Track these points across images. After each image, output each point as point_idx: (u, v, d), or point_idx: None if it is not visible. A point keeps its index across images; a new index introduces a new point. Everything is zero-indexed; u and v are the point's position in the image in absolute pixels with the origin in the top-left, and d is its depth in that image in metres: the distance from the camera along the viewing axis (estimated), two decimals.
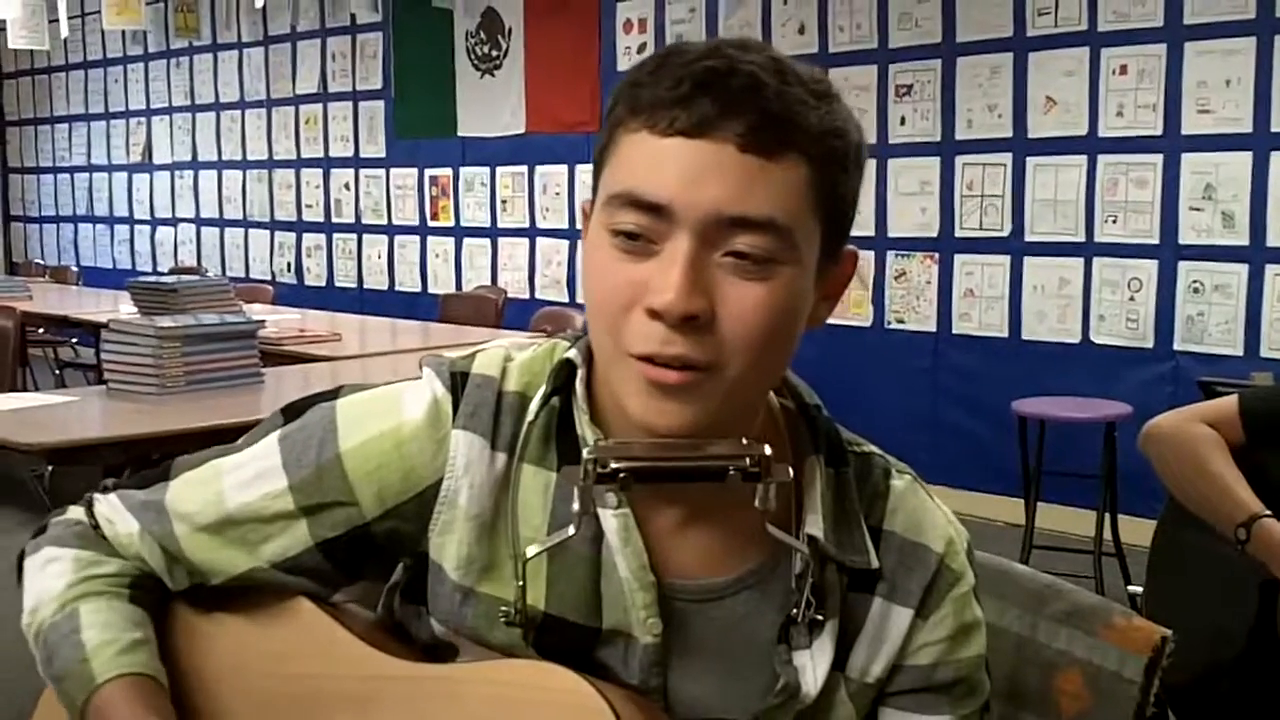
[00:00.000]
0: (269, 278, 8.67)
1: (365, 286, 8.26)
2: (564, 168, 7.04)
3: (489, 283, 7.40)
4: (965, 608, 1.03)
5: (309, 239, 8.66)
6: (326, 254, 8.54)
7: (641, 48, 6.55)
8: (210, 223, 9.45)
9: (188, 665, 1.07)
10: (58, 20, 8.34)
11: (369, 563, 1.04)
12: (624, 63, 6.58)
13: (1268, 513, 1.93)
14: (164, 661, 1.04)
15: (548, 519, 0.97)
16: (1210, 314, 4.90)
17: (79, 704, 1.00)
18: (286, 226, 8.82)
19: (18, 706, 1.15)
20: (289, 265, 8.81)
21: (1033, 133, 5.30)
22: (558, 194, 7.13)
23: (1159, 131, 4.97)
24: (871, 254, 5.73)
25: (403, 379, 1.04)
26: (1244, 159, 4.77)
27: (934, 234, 5.63)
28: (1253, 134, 4.75)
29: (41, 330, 7.05)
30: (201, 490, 1.04)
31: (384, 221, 8.14)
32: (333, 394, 1.05)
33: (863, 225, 5.57)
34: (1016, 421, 4.48)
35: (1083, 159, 5.17)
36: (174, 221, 9.78)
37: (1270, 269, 4.75)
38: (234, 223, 9.24)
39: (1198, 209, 4.91)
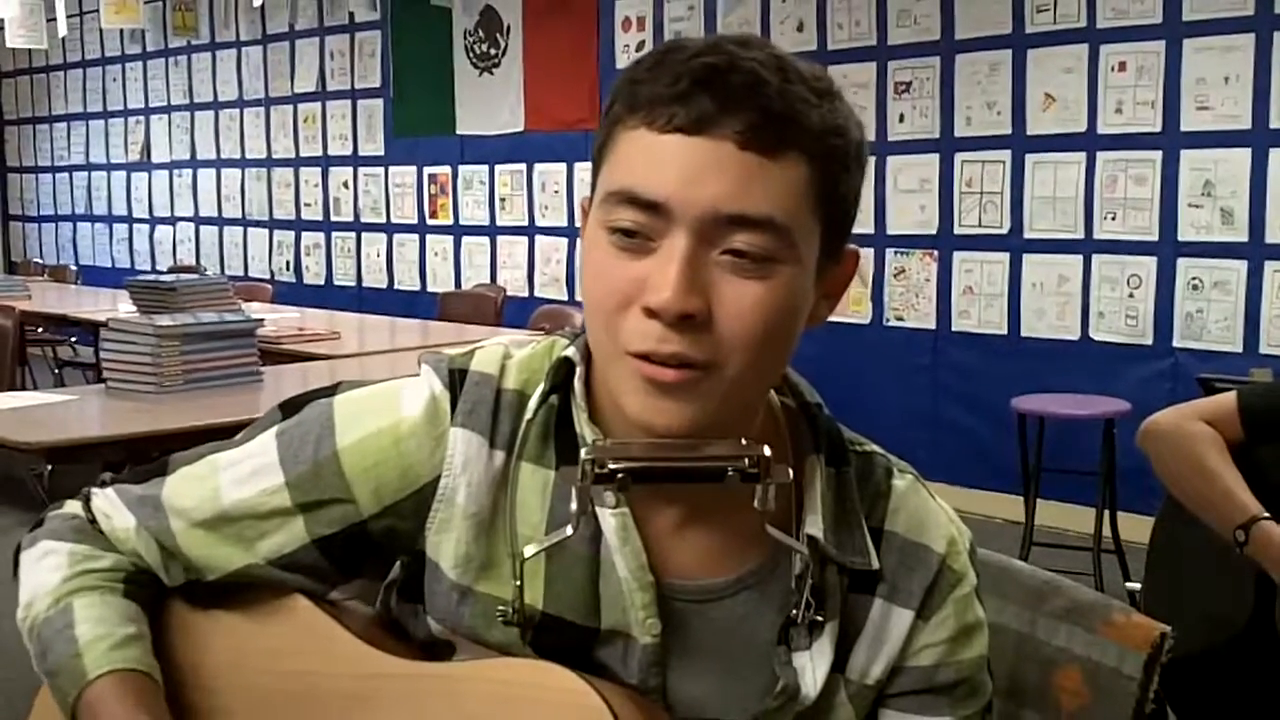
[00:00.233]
0: (268, 276, 8.67)
1: (364, 285, 8.26)
2: (563, 166, 7.04)
3: (488, 281, 7.40)
4: (967, 608, 1.02)
5: (308, 237, 8.66)
6: (325, 252, 8.53)
7: (640, 45, 6.55)
8: (209, 221, 9.45)
9: (184, 662, 1.07)
10: (56, 19, 8.34)
11: (366, 560, 1.03)
12: (623, 60, 6.57)
13: (1266, 515, 1.92)
14: (160, 658, 1.04)
15: (546, 517, 0.97)
16: (1209, 310, 4.90)
17: (71, 699, 0.99)
18: (285, 225, 8.82)
19: (17, 705, 1.15)
20: (288, 264, 8.81)
21: (1032, 130, 5.30)
22: (556, 192, 7.12)
23: (1158, 128, 4.97)
24: (871, 251, 5.73)
25: (401, 377, 1.04)
26: (1243, 155, 4.77)
27: (933, 231, 5.63)
28: (1251, 130, 4.75)
29: (40, 329, 7.04)
30: (198, 486, 1.03)
31: (383, 220, 8.13)
32: (330, 390, 1.04)
33: (862, 222, 5.51)
34: (1016, 418, 4.48)
35: (1082, 156, 5.17)
36: (173, 220, 9.78)
37: (1269, 265, 4.75)
38: (233, 221, 9.24)
39: (1197, 206, 4.91)
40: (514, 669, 0.95)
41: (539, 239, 7.26)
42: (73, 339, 7.61)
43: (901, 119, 5.67)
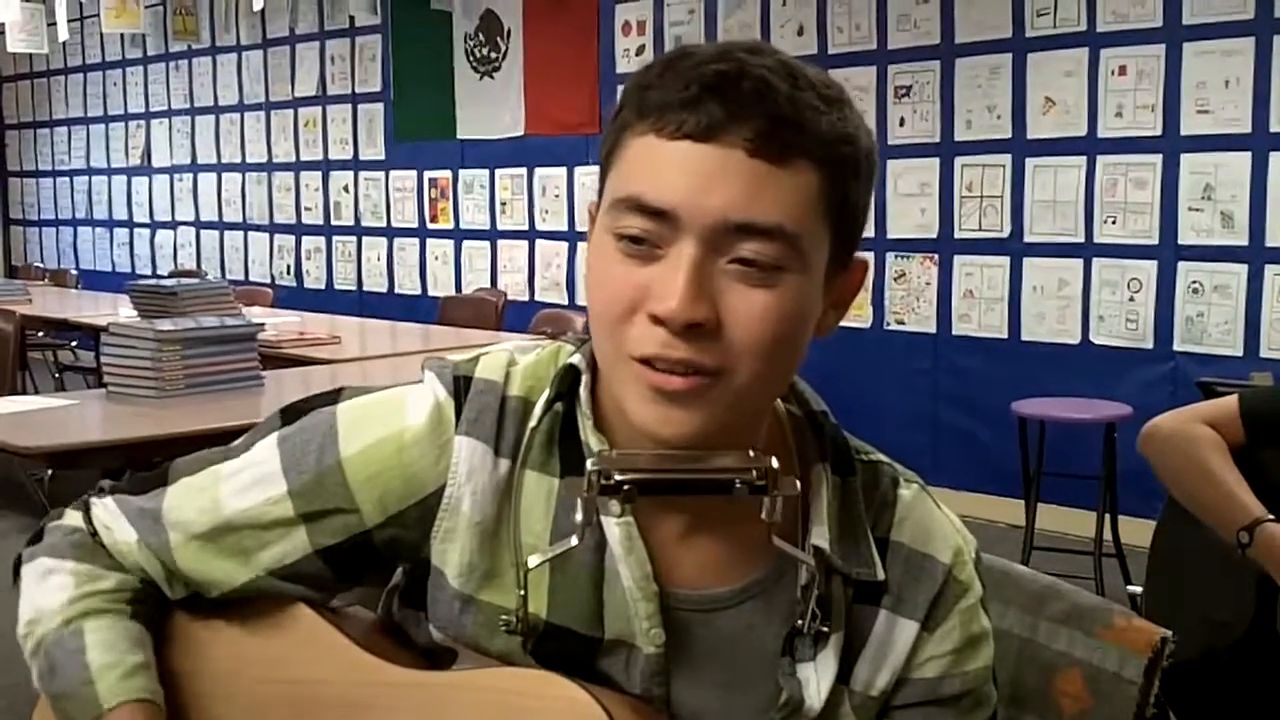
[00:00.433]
0: (268, 280, 8.67)
1: (365, 289, 8.26)
2: (563, 170, 7.04)
3: (489, 285, 7.40)
4: (973, 619, 1.01)
5: (308, 242, 8.66)
6: (326, 257, 8.54)
7: (640, 49, 6.55)
8: (209, 226, 9.45)
9: (185, 669, 1.07)
10: (56, 23, 8.34)
11: (369, 569, 1.03)
12: (623, 65, 6.58)
13: (1270, 517, 1.92)
14: (161, 666, 1.04)
15: (550, 526, 0.96)
16: (1210, 314, 4.90)
17: None
18: (286, 229, 8.82)
19: (19, 710, 1.15)
20: (288, 268, 8.81)
21: (1032, 133, 5.30)
22: (557, 196, 7.13)
23: (1158, 132, 4.97)
24: (871, 255, 5.70)
25: (403, 382, 1.03)
26: (1243, 159, 4.77)
27: (933, 235, 5.63)
28: (1251, 134, 4.75)
29: (41, 333, 7.05)
30: (199, 497, 1.02)
31: (383, 224, 8.14)
32: (333, 397, 1.03)
33: None
34: (1016, 422, 4.48)
35: (1082, 160, 5.17)
36: (173, 224, 9.78)
37: (1270, 269, 4.76)
38: (233, 225, 9.24)
39: (1197, 209, 4.91)
40: (516, 678, 0.95)
41: (540, 243, 7.26)
42: (73, 343, 7.62)
43: (902, 123, 5.67)
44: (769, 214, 0.85)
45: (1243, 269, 4.81)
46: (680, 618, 0.97)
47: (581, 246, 0.96)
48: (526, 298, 7.21)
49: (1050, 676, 1.31)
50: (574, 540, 0.90)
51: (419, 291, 7.90)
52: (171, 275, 8.23)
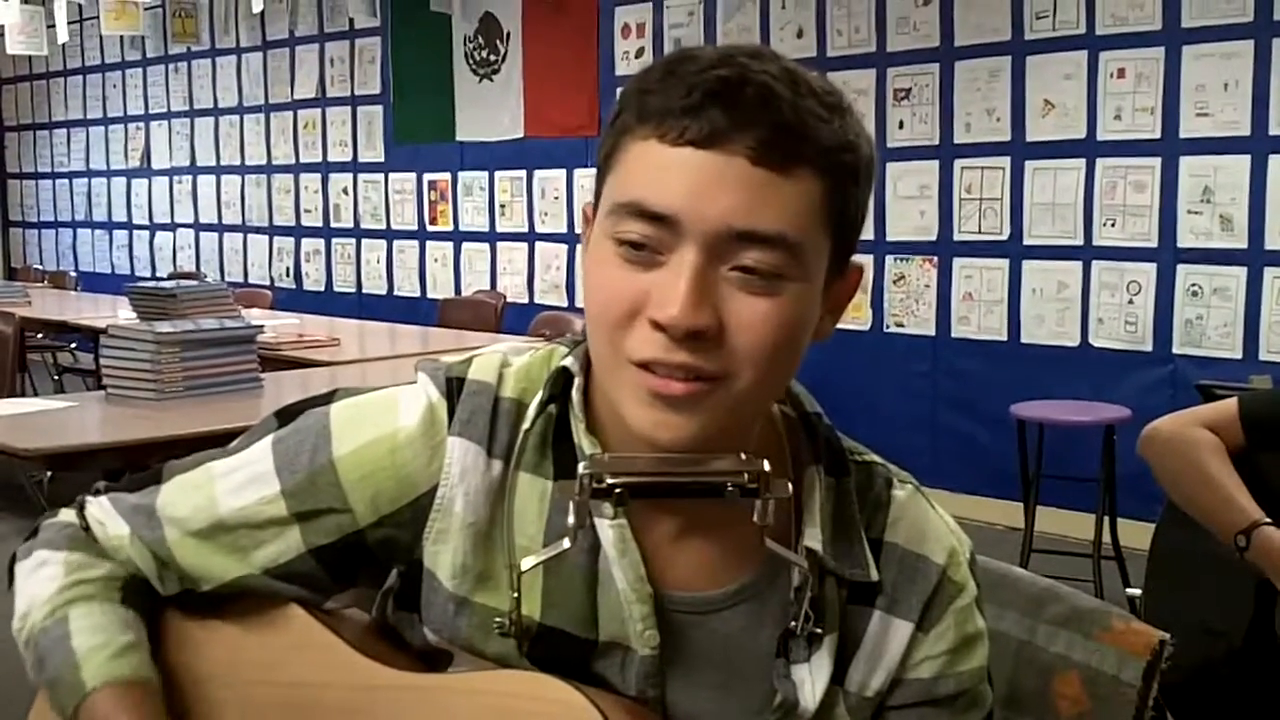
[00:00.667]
0: (268, 283, 8.67)
1: (364, 291, 8.26)
2: (563, 172, 7.04)
3: (488, 287, 7.40)
4: (967, 620, 1.01)
5: (308, 244, 8.66)
6: (325, 259, 8.54)
7: (639, 52, 6.55)
8: (209, 228, 9.45)
9: (179, 671, 1.06)
10: (56, 25, 8.34)
11: (362, 569, 1.03)
12: (622, 67, 6.58)
13: (1268, 520, 1.92)
14: (155, 664, 1.04)
15: (543, 528, 0.96)
16: (1209, 317, 4.91)
17: (70, 710, 0.99)
18: (285, 231, 8.82)
19: (15, 708, 1.15)
20: (287, 270, 8.81)
21: (1031, 136, 5.30)
22: (556, 198, 7.13)
23: (1157, 135, 4.97)
24: (870, 258, 5.72)
25: (400, 384, 1.03)
26: (1242, 162, 4.78)
27: (933, 237, 5.63)
28: (1251, 137, 4.75)
29: (40, 335, 7.05)
30: (193, 495, 1.03)
31: (383, 226, 8.14)
32: (327, 398, 1.03)
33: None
34: (1015, 425, 4.48)
35: (1081, 162, 5.17)
36: (172, 227, 9.78)
37: (1269, 272, 4.76)
38: (232, 228, 9.24)
39: (1196, 212, 4.91)
40: (511, 681, 0.95)
41: (539, 245, 7.27)
42: (73, 345, 7.61)
43: (901, 125, 5.67)
44: (771, 222, 0.85)
45: (1242, 272, 4.81)
46: (675, 620, 0.97)
47: (581, 249, 0.96)
48: (526, 300, 7.21)
49: (1048, 679, 1.31)
50: (566, 543, 0.90)
51: (418, 294, 7.90)
52: (171, 277, 8.23)
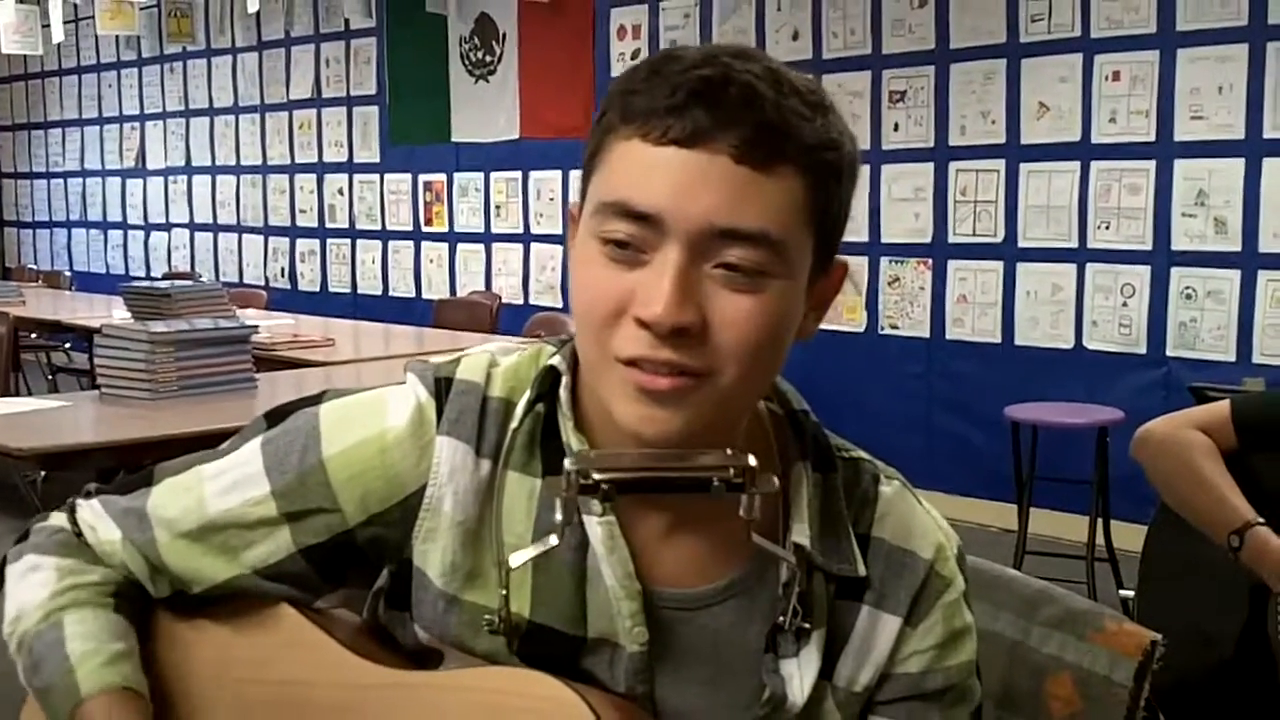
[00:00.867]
0: (263, 283, 8.67)
1: (359, 292, 8.26)
2: (558, 173, 7.04)
3: (483, 288, 7.39)
4: (955, 614, 1.02)
5: (303, 244, 8.66)
6: (320, 259, 8.53)
7: (635, 53, 6.56)
8: (204, 228, 9.45)
9: (169, 670, 1.07)
10: (51, 25, 8.34)
11: (352, 569, 1.03)
12: (618, 68, 6.58)
13: (1261, 520, 1.93)
14: (146, 666, 1.04)
15: (532, 526, 0.97)
16: (1202, 320, 4.91)
17: (63, 716, 1.00)
18: (280, 232, 8.82)
19: (7, 713, 1.15)
20: (283, 270, 8.81)
21: (1026, 139, 5.31)
22: (552, 199, 7.13)
23: (1152, 138, 4.98)
24: (865, 260, 5.73)
25: (388, 385, 1.03)
26: (1236, 165, 4.78)
27: (927, 240, 5.64)
28: (1245, 140, 4.76)
29: (34, 335, 7.04)
30: (183, 496, 1.03)
31: (378, 227, 8.14)
32: (316, 399, 1.04)
33: (856, 231, 5.58)
34: (1009, 427, 4.49)
35: (1076, 165, 5.18)
36: (167, 226, 9.77)
37: (1262, 275, 4.76)
38: (227, 228, 9.23)
39: (1190, 215, 4.92)
40: (501, 678, 0.95)
41: (534, 246, 7.27)
42: (67, 345, 7.60)
43: (896, 128, 5.68)
44: (754, 220, 0.86)
45: (1235, 274, 4.82)
46: (663, 616, 0.97)
47: (569, 248, 0.96)
48: (521, 301, 7.21)
49: (1041, 680, 1.32)
50: (554, 540, 0.91)
51: (413, 294, 7.90)
52: (165, 277, 8.24)
